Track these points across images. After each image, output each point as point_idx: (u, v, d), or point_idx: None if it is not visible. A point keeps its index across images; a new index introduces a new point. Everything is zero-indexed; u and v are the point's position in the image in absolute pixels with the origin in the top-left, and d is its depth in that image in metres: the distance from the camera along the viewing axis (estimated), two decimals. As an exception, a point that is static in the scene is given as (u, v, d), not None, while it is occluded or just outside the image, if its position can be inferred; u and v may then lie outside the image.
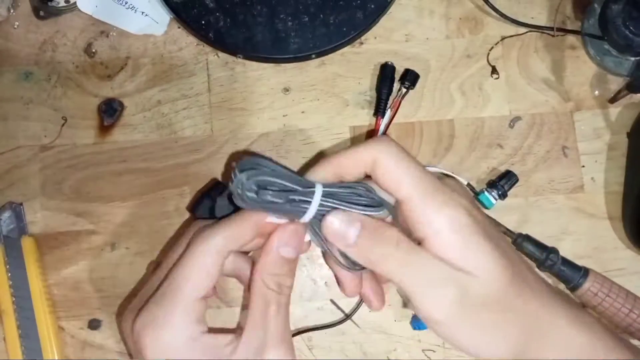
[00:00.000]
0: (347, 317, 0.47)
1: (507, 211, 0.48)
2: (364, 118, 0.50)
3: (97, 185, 0.49)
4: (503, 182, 0.47)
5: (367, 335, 0.47)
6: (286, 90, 0.50)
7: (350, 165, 0.33)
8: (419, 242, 0.32)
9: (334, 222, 0.32)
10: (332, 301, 0.48)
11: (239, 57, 0.50)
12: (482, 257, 0.31)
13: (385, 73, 0.49)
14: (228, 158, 0.49)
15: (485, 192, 0.47)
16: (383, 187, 0.33)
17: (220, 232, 0.34)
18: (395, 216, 0.33)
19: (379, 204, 0.33)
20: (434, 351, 0.47)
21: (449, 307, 0.30)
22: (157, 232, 0.49)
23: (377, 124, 0.48)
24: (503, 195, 0.47)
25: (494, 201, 0.47)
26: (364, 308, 0.48)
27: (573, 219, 0.48)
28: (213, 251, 0.34)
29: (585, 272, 0.44)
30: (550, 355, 0.31)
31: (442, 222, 0.31)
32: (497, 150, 0.49)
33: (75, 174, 0.50)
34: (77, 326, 0.48)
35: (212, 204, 0.41)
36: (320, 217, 0.33)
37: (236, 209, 0.37)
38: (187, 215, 0.49)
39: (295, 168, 0.49)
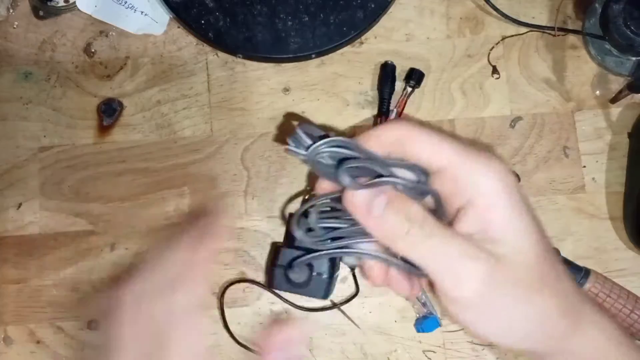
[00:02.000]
0: (335, 305, 0.47)
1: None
2: (365, 118, 0.50)
3: (97, 185, 0.49)
4: None
5: (367, 337, 0.47)
6: (286, 90, 0.50)
7: (371, 146, 0.31)
8: (458, 211, 0.30)
9: (362, 193, 0.30)
10: (332, 301, 0.48)
11: (239, 57, 0.50)
12: (522, 226, 0.29)
13: (386, 72, 0.49)
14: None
15: None
16: (416, 160, 0.31)
17: None
18: (436, 197, 0.32)
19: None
20: (435, 352, 0.47)
21: (478, 283, 0.28)
22: (157, 232, 0.49)
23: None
24: None
25: None
26: (364, 309, 0.47)
27: (574, 219, 0.48)
28: None
29: (586, 272, 0.44)
30: (584, 342, 0.30)
31: (489, 182, 0.29)
32: (498, 150, 0.49)
33: (74, 174, 0.49)
34: (77, 326, 0.48)
35: (285, 271, 0.43)
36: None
37: (310, 275, 0.41)
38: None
39: (296, 169, 0.49)
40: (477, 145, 0.34)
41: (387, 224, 0.30)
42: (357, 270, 0.48)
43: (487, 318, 0.29)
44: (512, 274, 0.29)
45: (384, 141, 0.31)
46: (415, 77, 0.48)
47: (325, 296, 0.44)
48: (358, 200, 0.30)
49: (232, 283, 0.47)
